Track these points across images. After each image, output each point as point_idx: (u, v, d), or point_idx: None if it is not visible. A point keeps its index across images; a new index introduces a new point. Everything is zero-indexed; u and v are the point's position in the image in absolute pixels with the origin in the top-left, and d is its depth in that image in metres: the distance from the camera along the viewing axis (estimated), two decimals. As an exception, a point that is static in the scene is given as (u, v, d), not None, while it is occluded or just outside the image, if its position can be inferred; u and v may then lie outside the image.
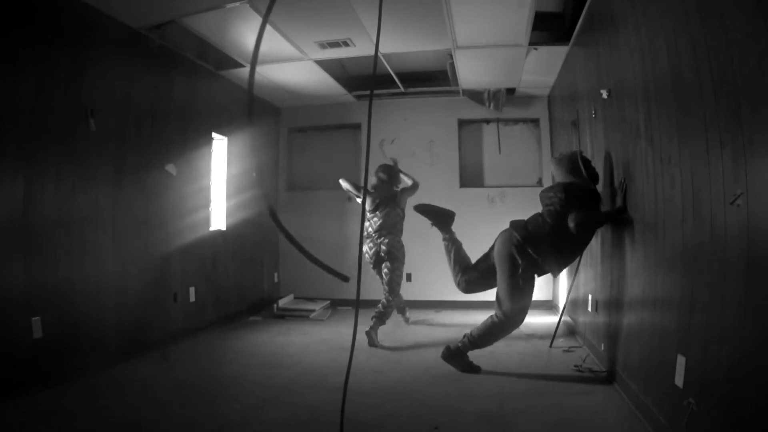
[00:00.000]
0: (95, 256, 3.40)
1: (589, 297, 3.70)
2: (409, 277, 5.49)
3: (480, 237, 5.92)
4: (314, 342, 4.26)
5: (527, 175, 6.09)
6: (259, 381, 3.15)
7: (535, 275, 3.20)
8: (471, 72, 5.14)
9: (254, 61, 1.68)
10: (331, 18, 3.82)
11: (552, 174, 3.81)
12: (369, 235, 4.42)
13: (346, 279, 1.91)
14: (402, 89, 5.76)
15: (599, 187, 3.25)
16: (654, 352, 2.30)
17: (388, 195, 4.50)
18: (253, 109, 1.79)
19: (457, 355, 3.33)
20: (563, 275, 5.03)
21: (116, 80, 3.62)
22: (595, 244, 3.64)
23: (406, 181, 4.75)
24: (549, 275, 3.32)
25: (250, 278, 5.66)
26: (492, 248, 3.44)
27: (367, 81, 5.58)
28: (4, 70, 2.77)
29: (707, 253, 1.77)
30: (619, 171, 2.97)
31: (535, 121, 6.09)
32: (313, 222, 6.22)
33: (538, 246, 3.09)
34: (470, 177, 6.18)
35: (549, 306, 5.66)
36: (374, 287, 5.44)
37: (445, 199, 5.97)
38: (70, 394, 2.85)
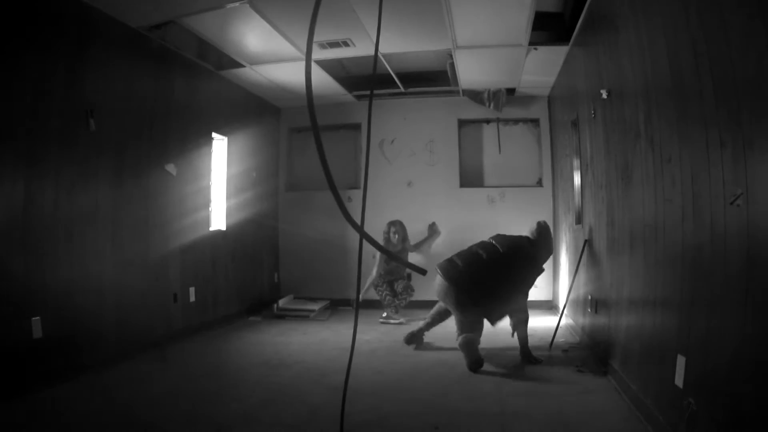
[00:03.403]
0: (95, 256, 3.40)
1: (589, 297, 3.70)
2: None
3: (479, 237, 5.94)
4: (314, 342, 4.26)
5: (527, 175, 6.09)
6: (259, 381, 3.15)
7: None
8: (471, 72, 5.14)
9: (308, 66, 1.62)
10: (331, 18, 3.82)
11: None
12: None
13: (423, 272, 2.01)
14: (402, 89, 5.76)
15: None
16: (654, 353, 2.30)
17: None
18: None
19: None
20: (564, 275, 5.03)
21: (116, 80, 3.62)
22: (595, 245, 3.64)
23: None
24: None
25: (250, 278, 5.66)
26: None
27: (367, 81, 5.58)
28: (5, 70, 2.77)
29: (707, 253, 1.77)
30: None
31: (535, 121, 6.09)
32: (314, 222, 6.23)
33: None
34: (470, 177, 6.18)
35: (549, 306, 5.66)
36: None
37: (445, 199, 6.00)
38: (70, 394, 2.85)
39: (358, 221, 1.89)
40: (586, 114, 3.76)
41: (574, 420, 2.42)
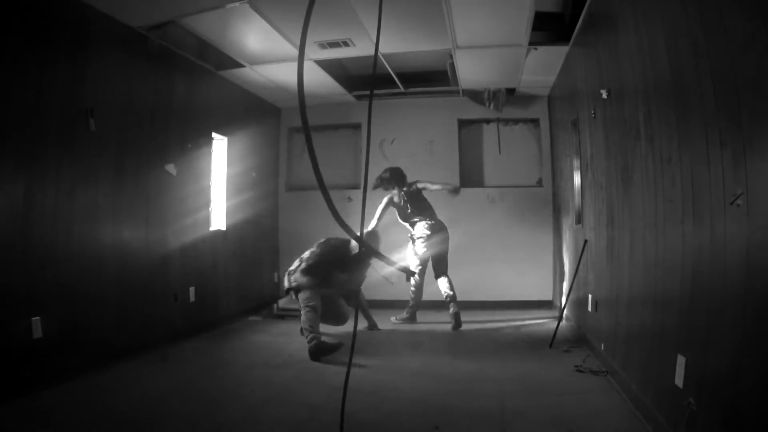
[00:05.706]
0: (95, 256, 3.40)
1: (589, 297, 3.70)
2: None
3: (479, 237, 5.95)
4: (314, 342, 4.25)
5: (527, 175, 6.09)
6: (259, 380, 3.15)
7: None
8: (471, 72, 5.14)
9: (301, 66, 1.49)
10: (331, 18, 3.82)
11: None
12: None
13: (412, 273, 1.95)
14: (402, 89, 5.76)
15: None
16: (654, 352, 2.30)
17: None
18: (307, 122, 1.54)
19: None
20: (564, 275, 5.03)
21: (116, 80, 3.62)
22: (595, 245, 3.65)
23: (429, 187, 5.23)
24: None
25: (250, 278, 5.66)
26: None
27: (367, 81, 5.58)
28: (4, 70, 2.76)
29: (707, 253, 1.77)
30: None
31: (535, 121, 6.09)
32: (313, 222, 6.21)
33: None
34: (470, 177, 6.18)
35: (549, 306, 5.67)
36: (374, 289, 5.44)
37: (445, 198, 6.00)
38: (70, 394, 2.85)
39: (359, 220, 1.89)
40: (586, 114, 3.76)
41: (574, 420, 2.42)
